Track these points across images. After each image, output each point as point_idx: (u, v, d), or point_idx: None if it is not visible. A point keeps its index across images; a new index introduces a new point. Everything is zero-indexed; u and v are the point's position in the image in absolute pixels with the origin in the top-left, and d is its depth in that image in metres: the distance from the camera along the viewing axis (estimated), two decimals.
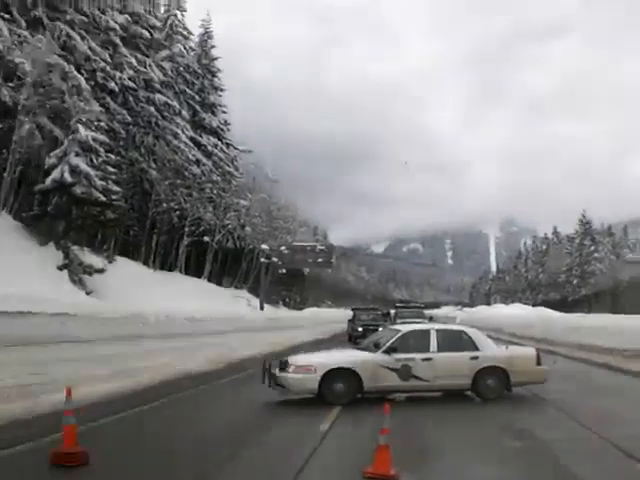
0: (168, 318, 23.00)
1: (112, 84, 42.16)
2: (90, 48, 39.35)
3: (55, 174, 32.07)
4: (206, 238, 57.76)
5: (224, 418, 12.55)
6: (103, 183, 33.75)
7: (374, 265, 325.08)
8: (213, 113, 65.02)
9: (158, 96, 49.57)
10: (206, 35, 65.70)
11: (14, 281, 20.45)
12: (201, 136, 60.46)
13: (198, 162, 56.61)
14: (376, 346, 14.35)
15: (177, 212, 51.96)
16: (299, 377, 13.52)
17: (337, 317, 67.41)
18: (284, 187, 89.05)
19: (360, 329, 37.88)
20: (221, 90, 67.51)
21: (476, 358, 14.28)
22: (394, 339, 14.26)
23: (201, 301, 42.01)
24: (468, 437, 10.51)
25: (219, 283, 64.05)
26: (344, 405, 13.12)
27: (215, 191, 58.62)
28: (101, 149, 34.72)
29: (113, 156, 37.93)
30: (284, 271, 72.34)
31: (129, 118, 45.72)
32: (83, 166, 32.37)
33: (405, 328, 15.27)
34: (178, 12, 58.49)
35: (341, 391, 13.47)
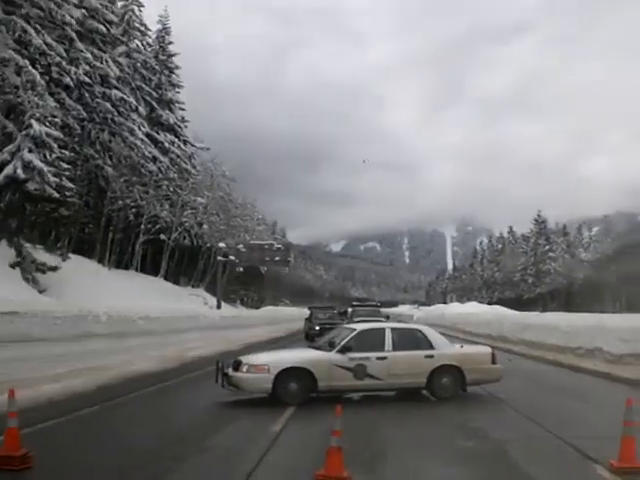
0: (122, 317, 22.60)
1: (67, 79, 41.39)
2: (45, 42, 38.54)
3: (8, 170, 31.43)
4: (162, 236, 57.25)
5: (175, 419, 12.31)
6: (57, 180, 33.11)
7: (332, 264, 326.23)
8: (170, 110, 64.39)
9: (114, 92, 48.88)
10: (164, 31, 65.00)
11: None
12: (158, 133, 59.82)
13: (155, 159, 55.99)
14: (331, 345, 14.23)
15: (133, 210, 51.39)
16: (252, 377, 13.35)
17: (294, 316, 67.30)
18: (242, 185, 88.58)
19: (317, 327, 37.83)
20: (179, 87, 66.84)
21: (431, 357, 14.24)
22: (349, 338, 14.16)
23: (157, 300, 41.59)
24: (422, 437, 10.44)
25: (176, 282, 63.54)
26: (298, 405, 13.00)
27: (172, 188, 58.10)
28: (55, 145, 34.04)
29: (68, 152, 37.27)
30: (242, 269, 72.09)
31: (84, 114, 45.00)
32: (37, 162, 31.73)
33: (360, 327, 15.15)
34: (135, 7, 57.73)
35: (295, 391, 13.33)
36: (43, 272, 32.21)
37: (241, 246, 59.02)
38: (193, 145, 69.21)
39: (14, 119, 33.85)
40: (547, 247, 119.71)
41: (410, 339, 14.64)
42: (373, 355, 13.90)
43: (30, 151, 31.82)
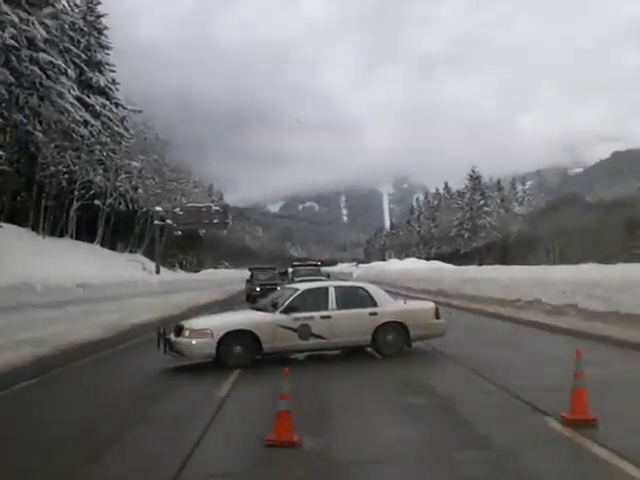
0: (57, 285, 22.05)
1: None
2: None
3: None
4: (97, 202, 56.09)
5: (116, 389, 12.00)
6: None
7: (271, 225, 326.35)
8: (100, 72, 62.71)
9: (42, 55, 47.35)
10: None
11: None
12: (89, 96, 58.22)
13: (86, 123, 54.60)
14: (274, 306, 14.08)
15: (66, 175, 50.11)
16: (195, 342, 13.12)
17: (235, 278, 67.12)
18: (177, 148, 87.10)
19: (258, 289, 37.76)
20: (108, 48, 64.91)
21: (375, 314, 14.20)
22: (292, 298, 14.03)
23: (95, 266, 40.84)
24: (370, 396, 10.36)
25: (113, 248, 62.51)
26: (243, 368, 12.85)
27: (105, 153, 56.83)
28: None
29: None
30: (179, 233, 71.23)
31: (12, 78, 43.51)
32: None
33: (303, 286, 15.01)
34: None
35: (239, 354, 13.16)
36: None
37: (178, 209, 58.22)
38: (125, 108, 67.67)
39: None
40: (482, 202, 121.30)
41: (354, 297, 14.58)
42: (317, 314, 13.80)
43: None
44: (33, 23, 45.33)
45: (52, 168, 47.30)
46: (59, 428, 8.91)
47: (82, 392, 11.75)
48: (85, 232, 57.38)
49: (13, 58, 44.12)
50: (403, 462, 6.90)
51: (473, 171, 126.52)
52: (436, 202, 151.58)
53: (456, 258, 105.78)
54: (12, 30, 42.19)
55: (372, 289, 15.08)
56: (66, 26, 54.61)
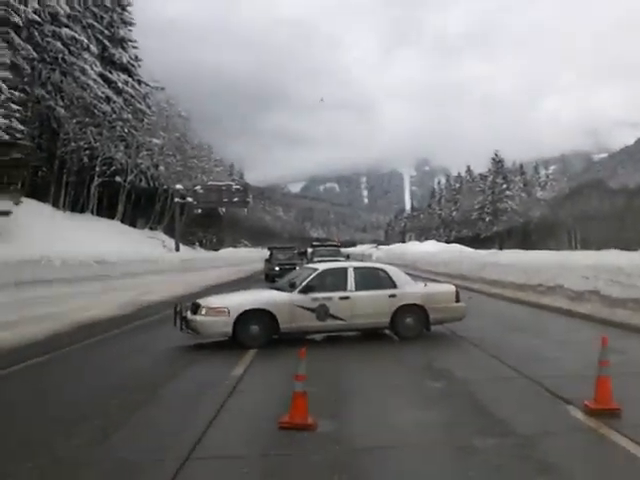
0: (77, 261, 21.98)
1: (16, 18, 39.90)
2: None
3: None
4: (118, 178, 56.29)
5: (132, 365, 11.88)
6: (6, 122, 32.17)
7: (291, 205, 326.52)
8: (123, 48, 62.70)
9: (65, 30, 47.38)
10: None
11: None
12: (111, 72, 58.28)
13: (108, 99, 54.68)
14: (292, 286, 13.88)
15: (87, 151, 50.24)
16: (212, 320, 13.01)
17: (254, 257, 67.03)
18: (199, 126, 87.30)
19: (277, 268, 37.69)
20: (131, 24, 64.88)
21: (394, 296, 14.02)
22: (311, 278, 13.86)
23: (114, 243, 40.90)
24: (387, 379, 10.16)
25: (133, 224, 62.75)
26: (259, 348, 12.71)
27: (126, 129, 56.95)
28: (4, 86, 32.96)
29: (17, 93, 36.15)
30: (200, 211, 71.24)
31: (34, 54, 43.59)
32: None
33: (322, 266, 14.83)
34: None
35: (256, 333, 13.03)
36: None
37: (198, 187, 58.17)
38: (147, 85, 67.72)
39: None
40: (504, 186, 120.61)
41: (373, 278, 14.38)
42: (335, 295, 13.64)
43: None
44: None
45: (73, 144, 47.43)
46: (69, 405, 8.79)
47: (95, 369, 11.65)
48: (106, 208, 57.63)
49: (36, 33, 44.15)
50: (420, 448, 6.73)
51: (496, 154, 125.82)
52: (458, 185, 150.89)
53: (476, 242, 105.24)
54: (35, 5, 42.18)
55: (392, 271, 14.87)
56: (89, 1, 54.59)
